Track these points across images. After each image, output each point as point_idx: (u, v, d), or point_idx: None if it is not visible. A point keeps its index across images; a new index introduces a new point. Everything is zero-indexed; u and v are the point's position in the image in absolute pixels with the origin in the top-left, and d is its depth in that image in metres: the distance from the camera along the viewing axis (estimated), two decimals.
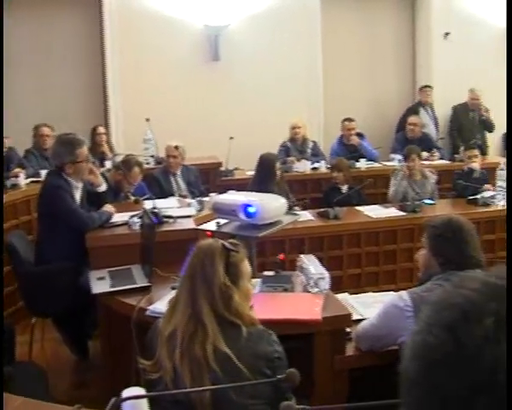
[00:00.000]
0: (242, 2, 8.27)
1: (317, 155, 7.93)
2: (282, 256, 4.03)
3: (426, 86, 9.14)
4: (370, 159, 7.88)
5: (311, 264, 3.61)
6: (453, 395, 0.55)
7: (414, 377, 0.60)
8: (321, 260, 5.28)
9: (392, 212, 5.96)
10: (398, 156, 7.43)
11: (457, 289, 0.61)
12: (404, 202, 6.11)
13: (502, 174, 6.17)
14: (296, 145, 7.88)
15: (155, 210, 4.67)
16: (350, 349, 3.25)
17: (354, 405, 2.05)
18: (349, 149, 7.98)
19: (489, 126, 9.02)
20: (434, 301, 0.63)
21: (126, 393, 1.97)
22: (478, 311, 0.57)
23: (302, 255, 3.80)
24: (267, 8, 8.37)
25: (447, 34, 9.26)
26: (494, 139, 9.44)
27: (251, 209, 3.82)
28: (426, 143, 8.22)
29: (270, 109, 8.35)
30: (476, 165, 6.67)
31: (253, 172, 6.66)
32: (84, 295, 4.13)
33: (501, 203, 6.17)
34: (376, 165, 7.72)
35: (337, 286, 4.40)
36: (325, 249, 5.62)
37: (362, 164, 7.59)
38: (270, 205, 3.93)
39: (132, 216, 4.62)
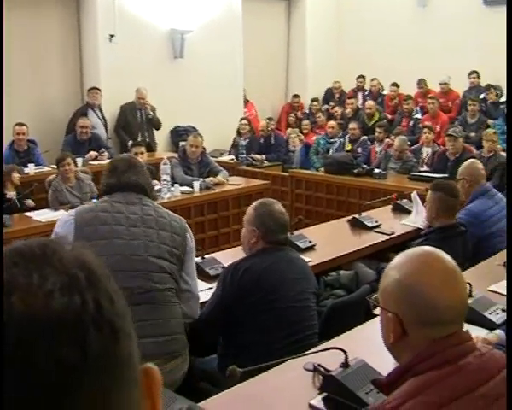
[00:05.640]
0: None
1: None
2: None
3: (93, 88, 9.21)
4: (39, 163, 7.79)
5: None
6: None
7: None
8: None
9: (59, 214, 5.91)
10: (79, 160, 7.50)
11: None
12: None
13: (165, 168, 6.49)
14: None
15: None
16: None
17: None
18: (19, 155, 7.78)
19: (156, 124, 9.42)
20: None
21: None
22: None
23: None
24: None
25: (112, 36, 9.41)
26: (162, 136, 9.89)
27: None
28: (95, 144, 8.36)
29: None
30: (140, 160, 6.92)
31: None
32: None
33: (166, 196, 6.48)
34: (46, 169, 7.64)
35: None
36: None
37: (30, 169, 7.45)
38: None
39: None
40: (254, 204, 3.43)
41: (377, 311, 1.86)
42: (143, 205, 3.06)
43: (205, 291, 3.64)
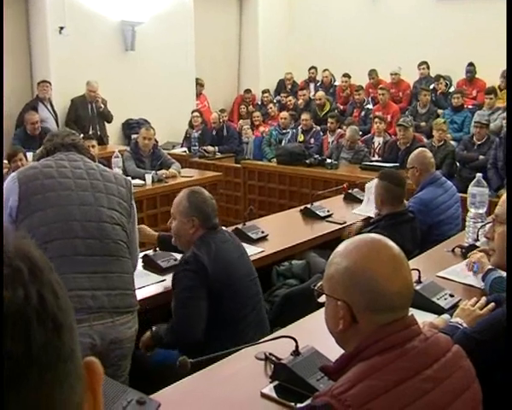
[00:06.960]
0: None
1: None
2: None
3: (43, 81, 9.07)
4: None
5: None
6: None
7: None
8: None
9: None
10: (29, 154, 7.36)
11: None
12: None
13: (116, 162, 6.44)
14: None
15: None
16: None
17: None
18: None
19: (107, 117, 9.34)
20: None
21: None
22: None
23: None
24: None
25: (62, 28, 9.26)
26: (113, 129, 9.80)
27: None
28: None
29: None
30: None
31: None
32: None
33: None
34: None
35: None
36: None
37: None
38: None
39: None
40: (184, 195, 3.39)
41: (322, 299, 1.87)
42: (85, 162, 3.07)
43: (156, 284, 3.63)
